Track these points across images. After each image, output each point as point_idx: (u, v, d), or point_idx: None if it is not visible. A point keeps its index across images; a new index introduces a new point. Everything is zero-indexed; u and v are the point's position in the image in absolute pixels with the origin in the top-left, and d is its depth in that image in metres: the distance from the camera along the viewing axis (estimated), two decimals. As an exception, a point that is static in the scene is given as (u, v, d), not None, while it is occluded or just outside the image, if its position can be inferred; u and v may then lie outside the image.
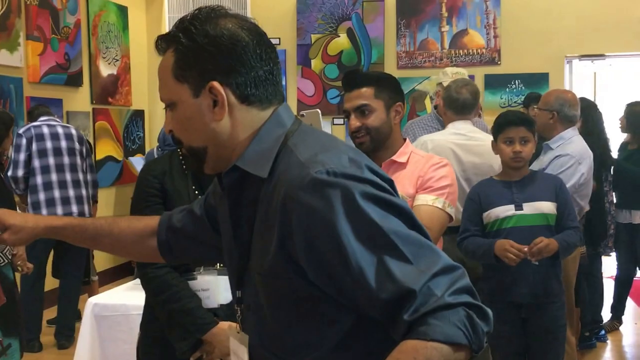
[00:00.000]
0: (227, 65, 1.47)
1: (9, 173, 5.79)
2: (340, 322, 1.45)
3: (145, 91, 9.27)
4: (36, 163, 5.83)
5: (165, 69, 1.52)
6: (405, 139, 2.91)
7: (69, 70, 7.67)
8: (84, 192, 6.07)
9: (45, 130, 5.91)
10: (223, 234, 1.67)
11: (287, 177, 1.41)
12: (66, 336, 6.01)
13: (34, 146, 5.83)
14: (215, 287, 2.50)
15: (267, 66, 1.51)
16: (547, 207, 3.55)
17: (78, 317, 5.98)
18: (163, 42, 1.54)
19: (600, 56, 8.22)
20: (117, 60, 8.65)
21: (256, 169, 1.48)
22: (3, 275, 4.37)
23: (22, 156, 5.80)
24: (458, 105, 4.14)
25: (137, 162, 8.43)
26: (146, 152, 7.33)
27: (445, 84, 4.52)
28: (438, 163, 2.83)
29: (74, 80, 7.77)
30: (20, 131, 5.86)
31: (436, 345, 1.25)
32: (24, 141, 5.81)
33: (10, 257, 4.36)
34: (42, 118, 6.02)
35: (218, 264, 2.49)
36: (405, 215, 1.39)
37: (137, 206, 2.50)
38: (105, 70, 8.41)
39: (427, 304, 1.28)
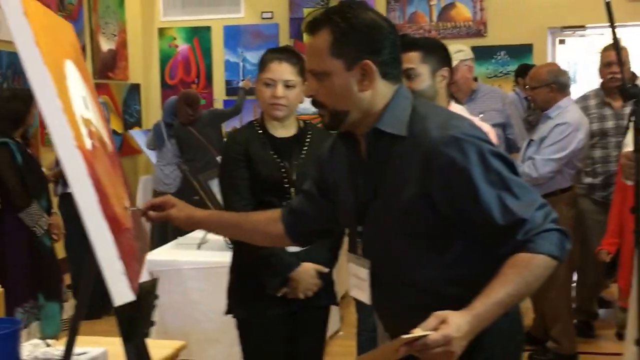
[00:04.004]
0: (377, 46, 1.85)
1: None
2: (453, 246, 1.87)
3: (140, 65, 9.50)
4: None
5: (321, 44, 1.86)
6: (449, 103, 3.08)
7: (73, 46, 7.82)
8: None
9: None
10: (342, 183, 2.05)
11: (427, 136, 1.81)
12: None
13: None
14: None
15: (397, 49, 1.90)
16: None
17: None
18: (316, 23, 1.87)
19: (581, 27, 8.54)
20: (115, 35, 8.88)
21: (395, 130, 1.87)
22: (42, 244, 4.69)
23: None
24: None
25: (137, 135, 8.69)
26: (153, 125, 7.58)
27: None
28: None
29: (78, 56, 7.92)
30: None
31: (542, 256, 1.76)
32: None
33: (45, 228, 4.66)
34: None
35: None
36: (511, 165, 1.84)
37: (227, 168, 2.94)
38: (105, 45, 8.64)
39: (535, 228, 1.77)
